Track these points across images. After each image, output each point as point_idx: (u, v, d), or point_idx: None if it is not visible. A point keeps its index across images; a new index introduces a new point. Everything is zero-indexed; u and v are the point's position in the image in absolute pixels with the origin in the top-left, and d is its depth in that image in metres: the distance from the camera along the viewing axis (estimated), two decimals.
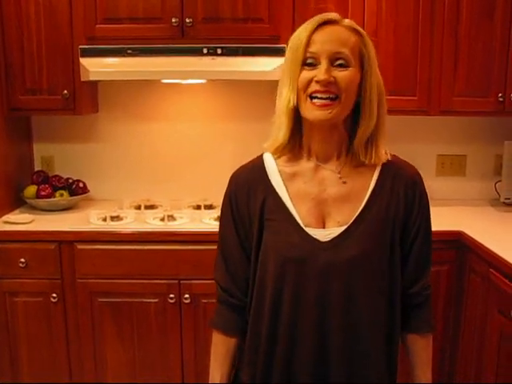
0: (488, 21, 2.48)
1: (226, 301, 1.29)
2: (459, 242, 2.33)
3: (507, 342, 1.90)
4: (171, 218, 2.50)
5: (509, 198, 2.74)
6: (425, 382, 1.31)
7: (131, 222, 2.49)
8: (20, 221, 2.46)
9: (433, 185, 2.92)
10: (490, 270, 2.04)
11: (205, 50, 2.41)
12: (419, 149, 2.91)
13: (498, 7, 2.47)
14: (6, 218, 2.52)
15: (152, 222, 2.49)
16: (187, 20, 2.43)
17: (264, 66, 2.39)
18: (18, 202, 2.75)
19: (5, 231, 2.39)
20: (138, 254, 2.37)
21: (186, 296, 2.37)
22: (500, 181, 2.81)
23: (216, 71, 2.43)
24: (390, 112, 2.62)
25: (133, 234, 2.39)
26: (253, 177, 1.26)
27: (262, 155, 1.29)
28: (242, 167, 1.30)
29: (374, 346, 1.21)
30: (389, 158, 1.24)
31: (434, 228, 2.38)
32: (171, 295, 2.38)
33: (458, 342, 2.37)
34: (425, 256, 1.28)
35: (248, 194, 1.24)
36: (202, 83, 2.80)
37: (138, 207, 2.71)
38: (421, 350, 1.31)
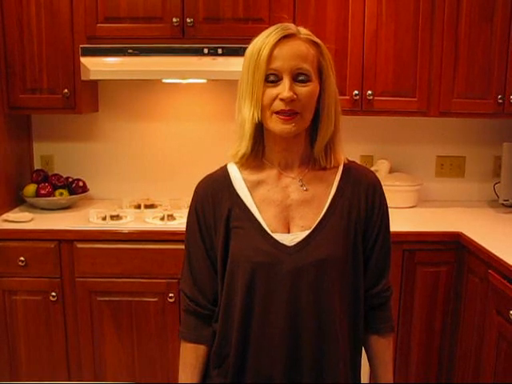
0: (488, 22, 2.49)
1: (193, 311, 1.29)
2: (458, 244, 2.34)
3: (505, 343, 1.90)
4: (171, 217, 2.51)
5: (507, 200, 2.74)
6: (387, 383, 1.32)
7: (131, 221, 2.49)
8: (20, 219, 2.46)
9: (432, 186, 2.93)
10: (489, 271, 2.04)
11: (205, 50, 2.41)
12: (419, 150, 2.92)
13: (497, 9, 2.48)
14: (5, 216, 2.52)
15: (152, 221, 2.49)
16: (188, 20, 2.44)
17: None
18: (17, 201, 2.75)
19: (4, 230, 2.39)
20: (137, 253, 2.37)
21: None
22: (499, 182, 2.81)
23: (217, 71, 2.44)
24: (390, 113, 2.67)
25: (132, 233, 2.39)
26: (218, 187, 1.27)
27: (225, 165, 1.31)
28: (207, 178, 1.31)
29: (343, 347, 1.22)
30: (345, 161, 1.28)
31: (433, 229, 2.42)
32: (170, 294, 2.38)
33: (456, 343, 2.37)
34: (385, 257, 1.30)
35: (214, 204, 1.25)
36: (202, 83, 2.80)
37: (138, 206, 2.71)
38: (382, 351, 1.32)
